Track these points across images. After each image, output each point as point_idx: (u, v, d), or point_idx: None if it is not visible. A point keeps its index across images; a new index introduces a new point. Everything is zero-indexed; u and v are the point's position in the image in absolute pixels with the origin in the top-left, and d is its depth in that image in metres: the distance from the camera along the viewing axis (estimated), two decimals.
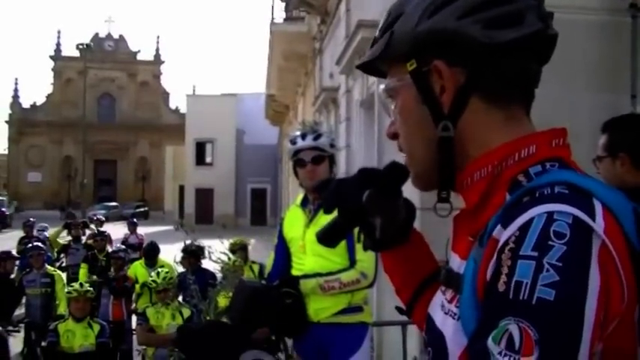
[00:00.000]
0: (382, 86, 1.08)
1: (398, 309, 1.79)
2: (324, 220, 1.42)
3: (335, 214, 1.15)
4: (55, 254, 11.79)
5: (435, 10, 0.96)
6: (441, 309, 1.01)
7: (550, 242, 0.77)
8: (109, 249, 9.48)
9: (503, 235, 0.82)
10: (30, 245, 9.12)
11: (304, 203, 3.50)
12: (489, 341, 0.76)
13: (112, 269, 8.37)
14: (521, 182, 0.91)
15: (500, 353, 0.75)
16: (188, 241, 7.84)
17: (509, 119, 0.98)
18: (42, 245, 8.98)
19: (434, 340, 1.02)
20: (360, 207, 1.11)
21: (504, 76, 0.96)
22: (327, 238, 1.18)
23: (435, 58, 0.97)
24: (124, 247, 9.09)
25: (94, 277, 8.83)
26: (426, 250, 1.27)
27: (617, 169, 2.37)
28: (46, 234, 13.09)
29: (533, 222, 0.79)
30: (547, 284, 0.75)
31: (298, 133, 3.42)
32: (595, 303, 0.76)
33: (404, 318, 2.04)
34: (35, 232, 13.41)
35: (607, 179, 2.35)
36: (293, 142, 3.39)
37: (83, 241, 11.59)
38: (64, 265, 11.06)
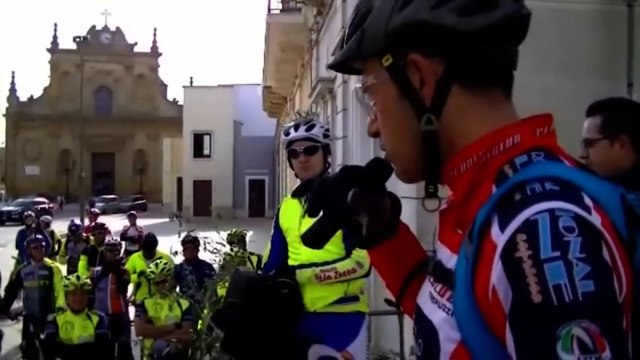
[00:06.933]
0: (358, 85, 1.05)
1: (387, 301, 1.78)
2: None
3: (320, 215, 1.14)
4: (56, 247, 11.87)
5: (406, 1, 0.94)
6: (431, 300, 0.99)
7: (565, 238, 0.76)
8: (109, 240, 9.47)
9: (502, 237, 0.80)
10: (30, 238, 9.09)
11: (300, 193, 3.49)
12: (560, 353, 0.73)
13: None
14: (508, 174, 0.89)
15: None
16: (184, 233, 7.83)
17: (491, 105, 0.96)
18: (41, 237, 8.97)
19: (425, 331, 0.99)
20: (346, 207, 1.10)
21: (483, 62, 0.94)
22: (313, 239, 1.17)
23: (411, 51, 0.94)
24: (116, 239, 9.10)
25: (93, 268, 8.84)
26: (413, 241, 1.25)
27: (615, 151, 2.30)
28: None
29: (539, 222, 0.77)
30: (583, 277, 0.74)
31: (292, 124, 3.42)
32: (617, 284, 0.77)
33: None
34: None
35: (599, 163, 2.28)
36: (286, 133, 3.39)
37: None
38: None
